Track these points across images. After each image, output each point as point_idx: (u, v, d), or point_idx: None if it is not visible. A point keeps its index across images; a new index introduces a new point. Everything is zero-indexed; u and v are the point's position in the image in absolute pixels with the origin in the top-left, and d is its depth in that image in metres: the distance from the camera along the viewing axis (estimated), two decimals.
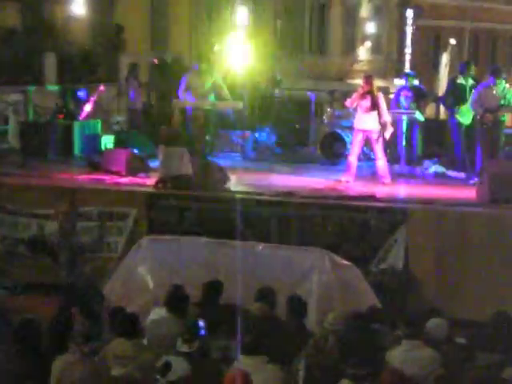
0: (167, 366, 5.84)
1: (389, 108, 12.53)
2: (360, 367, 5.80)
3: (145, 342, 7.17)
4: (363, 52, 31.37)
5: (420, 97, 13.45)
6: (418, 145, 13.37)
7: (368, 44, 31.72)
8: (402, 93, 13.40)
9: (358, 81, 19.87)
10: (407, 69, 32.56)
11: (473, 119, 12.24)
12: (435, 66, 23.34)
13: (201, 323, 6.73)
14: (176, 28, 20.98)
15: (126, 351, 6.59)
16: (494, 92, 11.76)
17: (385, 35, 33.32)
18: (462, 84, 12.53)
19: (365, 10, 31.32)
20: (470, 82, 12.48)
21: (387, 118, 11.88)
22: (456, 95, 12.53)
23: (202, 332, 6.66)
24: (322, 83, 19.73)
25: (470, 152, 12.34)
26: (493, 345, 6.49)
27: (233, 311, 7.48)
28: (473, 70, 12.75)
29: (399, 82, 28.48)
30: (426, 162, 13.27)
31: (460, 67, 13.25)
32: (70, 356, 6.25)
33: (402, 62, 32.95)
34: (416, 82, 13.98)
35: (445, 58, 20.10)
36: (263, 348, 6.28)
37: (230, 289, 8.19)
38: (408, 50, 33.14)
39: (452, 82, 13.02)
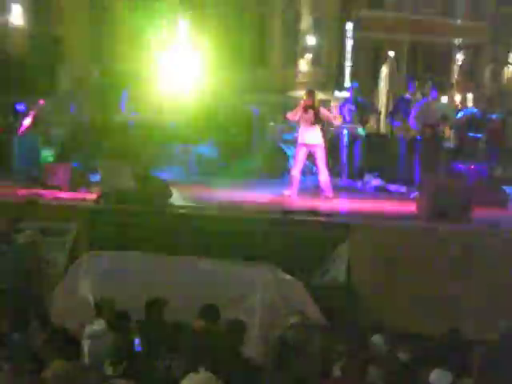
0: None
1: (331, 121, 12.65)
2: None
3: (86, 360, 7.06)
4: (304, 64, 31.60)
5: (363, 111, 13.63)
6: (359, 159, 13.52)
7: (308, 56, 31.98)
8: (345, 106, 13.55)
9: (300, 93, 20.01)
10: (347, 81, 32.95)
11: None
12: (375, 78, 23.67)
13: (136, 341, 6.65)
14: (116, 40, 20.80)
15: (67, 373, 6.46)
16: (434, 107, 11.98)
17: (325, 48, 33.63)
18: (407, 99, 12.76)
19: (305, 23, 31.57)
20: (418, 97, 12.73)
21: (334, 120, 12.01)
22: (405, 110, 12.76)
23: (137, 349, 6.58)
24: (264, 96, 19.78)
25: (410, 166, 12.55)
26: (439, 360, 6.57)
27: (176, 328, 7.45)
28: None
29: (340, 94, 28.82)
30: (368, 176, 13.43)
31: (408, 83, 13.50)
32: (4, 376, 6.11)
33: (342, 74, 33.30)
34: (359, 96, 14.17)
35: (384, 70, 20.41)
36: (206, 364, 6.25)
37: (174, 305, 8.12)
38: (348, 63, 33.50)
39: (401, 98, 13.27)
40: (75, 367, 6.48)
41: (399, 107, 13.01)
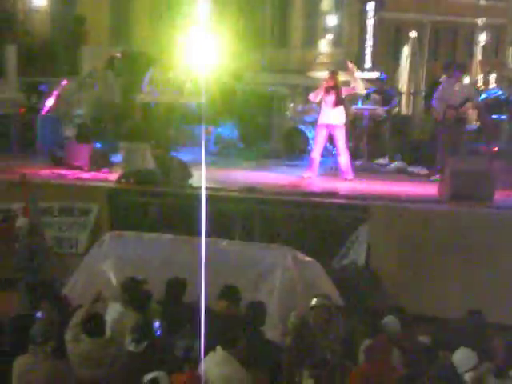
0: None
1: (356, 103, 12.63)
2: (318, 368, 5.86)
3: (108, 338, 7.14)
4: (324, 45, 31.46)
5: (388, 100, 13.58)
6: (380, 140, 13.47)
7: (329, 37, 31.81)
8: (372, 94, 13.50)
9: (320, 74, 19.94)
10: (368, 62, 32.80)
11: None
12: (396, 58, 23.54)
13: (156, 324, 6.73)
14: (137, 21, 20.83)
15: (92, 350, 6.57)
16: (458, 88, 11.85)
17: (346, 28, 33.45)
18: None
19: (326, 3, 31.39)
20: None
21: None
22: None
23: (157, 333, 6.66)
24: (285, 77, 19.73)
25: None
26: (460, 343, 6.56)
27: (196, 309, 7.49)
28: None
29: (361, 75, 28.68)
30: (389, 158, 13.39)
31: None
32: (30, 356, 6.21)
33: (363, 54, 33.14)
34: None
35: (406, 51, 20.28)
36: (227, 346, 6.31)
37: (194, 286, 8.17)
38: (369, 43, 33.34)
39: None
40: (99, 344, 6.60)
41: (434, 88, 12.83)
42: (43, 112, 13.85)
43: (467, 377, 6.18)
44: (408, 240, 9.85)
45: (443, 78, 12.78)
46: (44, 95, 14.06)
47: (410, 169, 12.88)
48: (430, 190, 11.14)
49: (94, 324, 6.74)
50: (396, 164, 13.10)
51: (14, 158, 12.89)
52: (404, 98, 19.61)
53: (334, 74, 12.04)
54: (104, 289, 9.17)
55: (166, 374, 5.84)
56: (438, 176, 11.66)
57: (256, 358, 6.61)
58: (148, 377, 5.71)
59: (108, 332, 7.05)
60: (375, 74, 29.03)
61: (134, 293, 7.53)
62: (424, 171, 12.59)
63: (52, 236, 10.66)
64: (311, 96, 12.16)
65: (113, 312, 7.59)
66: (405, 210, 10.15)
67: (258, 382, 6.29)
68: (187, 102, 13.38)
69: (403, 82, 19.84)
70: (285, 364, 6.82)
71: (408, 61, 19.68)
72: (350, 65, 12.34)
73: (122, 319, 7.29)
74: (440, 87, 12.07)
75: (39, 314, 7.49)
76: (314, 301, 7.23)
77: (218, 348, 6.23)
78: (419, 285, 9.64)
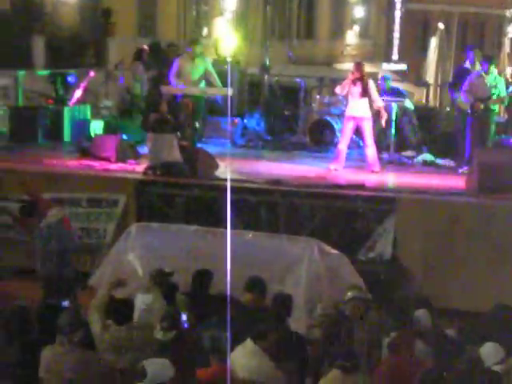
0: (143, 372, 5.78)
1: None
2: (347, 358, 5.85)
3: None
4: (351, 36, 31.32)
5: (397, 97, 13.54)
6: (407, 132, 13.39)
7: (356, 28, 31.67)
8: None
9: (347, 66, 19.86)
10: (395, 54, 32.60)
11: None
12: (423, 50, 23.36)
13: (183, 315, 6.75)
14: (164, 13, 20.85)
15: (119, 337, 6.62)
16: (486, 81, 11.75)
17: (373, 19, 33.29)
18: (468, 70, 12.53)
19: None
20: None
21: (380, 103, 11.89)
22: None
23: (184, 324, 6.68)
24: (311, 69, 19.68)
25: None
26: (486, 337, 6.52)
27: (223, 301, 7.50)
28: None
29: (388, 66, 28.51)
30: (416, 150, 13.31)
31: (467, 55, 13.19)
32: (58, 347, 6.26)
33: (390, 46, 32.96)
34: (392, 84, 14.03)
35: (433, 43, 20.11)
36: (258, 338, 6.32)
37: (219, 278, 8.18)
38: (396, 35, 33.13)
39: (460, 69, 13.03)
40: (126, 330, 6.65)
41: (458, 78, 12.71)
42: (71, 103, 13.92)
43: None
44: (435, 233, 9.80)
45: (467, 63, 12.65)
46: (71, 87, 14.12)
47: (438, 161, 12.80)
48: (457, 182, 11.06)
49: (121, 310, 6.78)
50: (423, 156, 13.02)
51: (41, 149, 13.00)
52: (431, 89, 19.48)
53: (359, 66, 12.00)
54: (130, 279, 9.30)
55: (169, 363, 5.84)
56: (465, 168, 11.58)
57: (282, 350, 6.62)
58: (150, 364, 5.73)
59: (136, 320, 7.09)
60: (402, 66, 28.89)
61: (161, 284, 7.56)
62: (451, 163, 12.51)
63: (80, 227, 10.73)
64: (338, 89, 12.15)
65: (140, 302, 7.62)
66: (432, 202, 10.10)
67: (285, 375, 6.29)
68: (214, 94, 13.38)
69: (430, 73, 19.68)
70: (312, 356, 6.81)
71: (435, 52, 19.53)
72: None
73: (150, 309, 7.32)
74: (468, 79, 11.96)
75: (66, 304, 7.56)
76: (349, 293, 7.18)
77: (248, 340, 6.23)
78: (446, 278, 9.58)
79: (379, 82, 14.04)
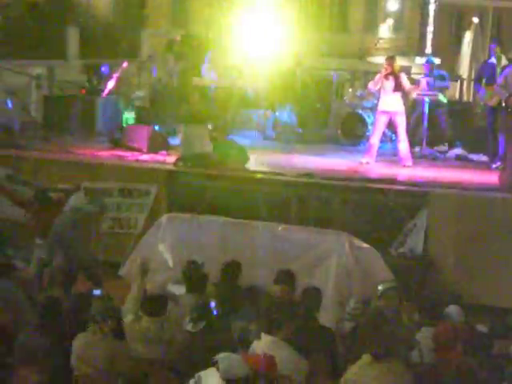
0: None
1: None
2: (379, 345, 5.78)
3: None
4: (385, 30, 31.10)
5: (441, 82, 13.37)
6: (440, 127, 13.27)
7: (390, 22, 31.44)
8: (424, 80, 13.30)
9: (380, 59, 19.71)
10: (429, 47, 32.29)
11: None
12: (457, 44, 23.13)
13: (212, 304, 6.76)
14: (197, 5, 20.85)
15: (151, 329, 6.66)
16: None
17: (407, 13, 33.00)
18: (493, 65, 12.40)
19: None
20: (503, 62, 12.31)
21: (414, 96, 11.82)
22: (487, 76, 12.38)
23: (214, 312, 6.69)
24: (344, 62, 19.57)
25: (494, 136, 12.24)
26: None
27: (252, 292, 7.52)
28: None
29: (420, 60, 28.26)
30: (448, 144, 13.20)
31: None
32: (90, 335, 6.31)
33: (423, 40, 32.66)
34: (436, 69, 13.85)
35: (467, 37, 19.91)
36: (282, 330, 6.30)
37: (249, 270, 8.21)
38: (430, 29, 32.81)
39: (485, 64, 12.90)
40: (158, 323, 6.69)
41: (483, 73, 12.59)
42: (104, 94, 13.99)
43: None
44: (467, 228, 9.70)
45: (492, 59, 12.50)
46: (105, 77, 14.19)
47: (470, 156, 12.68)
48: (490, 177, 10.95)
49: (154, 304, 6.80)
50: (456, 151, 12.91)
51: (74, 139, 13.09)
52: (465, 84, 19.28)
53: (391, 60, 11.94)
54: (160, 270, 9.36)
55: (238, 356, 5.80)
56: (498, 164, 11.45)
57: (311, 343, 6.61)
58: (218, 356, 5.70)
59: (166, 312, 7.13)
60: (435, 60, 28.54)
61: (192, 275, 7.58)
62: (485, 158, 12.38)
63: (111, 217, 10.80)
64: (370, 84, 12.10)
65: (170, 293, 7.66)
66: (464, 197, 10.00)
67: (315, 368, 6.26)
68: (246, 86, 13.37)
69: (464, 68, 19.49)
70: (341, 350, 6.78)
71: (469, 47, 19.33)
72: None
73: (179, 300, 7.36)
74: (503, 74, 11.82)
75: (97, 292, 7.61)
76: (381, 287, 7.12)
77: (263, 335, 6.20)
78: (477, 274, 9.50)
79: (424, 64, 13.91)
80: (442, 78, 13.63)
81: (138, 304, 6.90)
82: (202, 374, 5.58)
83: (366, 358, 5.59)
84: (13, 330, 6.58)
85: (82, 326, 6.43)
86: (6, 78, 12.87)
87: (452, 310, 7.00)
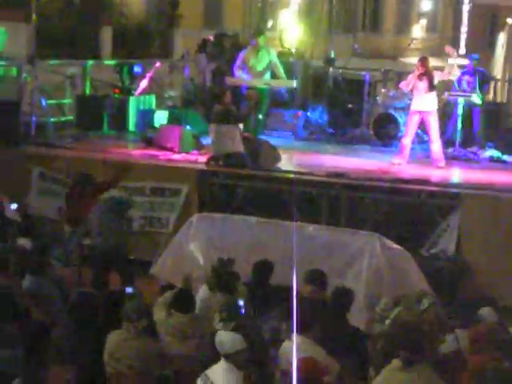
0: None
1: (449, 90, 12.38)
2: (412, 352, 5.74)
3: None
4: (418, 30, 30.93)
5: (483, 82, 13.22)
6: (474, 127, 13.16)
7: (423, 22, 31.26)
8: (464, 77, 13.16)
9: (413, 59, 19.60)
10: (462, 48, 32.03)
11: None
12: (491, 45, 22.92)
13: (241, 303, 6.77)
14: (230, 5, 20.91)
15: (182, 324, 6.69)
16: None
17: (440, 13, 32.79)
18: None
19: None
20: None
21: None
22: None
23: (243, 312, 6.70)
24: (376, 62, 19.48)
25: None
26: None
27: (283, 292, 7.50)
28: None
29: (453, 61, 28.02)
30: (482, 146, 13.07)
31: None
32: (124, 332, 6.35)
33: (457, 40, 32.41)
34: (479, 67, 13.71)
35: (501, 38, 19.72)
36: (313, 330, 6.29)
37: (279, 269, 8.19)
38: (464, 29, 32.56)
39: None
40: (189, 319, 6.73)
41: None
42: (137, 93, 14.07)
43: None
44: (500, 229, 9.61)
45: None
46: (137, 77, 14.26)
47: (504, 157, 12.55)
48: None
49: (184, 301, 6.85)
50: (489, 152, 12.79)
51: (106, 138, 13.19)
52: (499, 85, 19.10)
53: (424, 61, 11.87)
54: (191, 269, 9.38)
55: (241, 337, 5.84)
56: None
57: (341, 344, 6.58)
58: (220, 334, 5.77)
59: (197, 311, 7.15)
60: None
61: (222, 274, 7.60)
62: None
63: (143, 215, 10.86)
64: (403, 85, 12.04)
65: (201, 292, 7.69)
66: (497, 198, 9.92)
67: (344, 370, 6.24)
68: (278, 86, 13.36)
69: (498, 69, 19.31)
70: (371, 352, 6.74)
71: (504, 48, 19.15)
72: (449, 49, 12.09)
73: (210, 300, 7.38)
74: None
75: (130, 290, 7.67)
76: (425, 301, 6.96)
77: (293, 334, 6.18)
78: (511, 276, 9.39)
79: (468, 61, 13.78)
80: (485, 76, 13.47)
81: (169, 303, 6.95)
82: (209, 371, 5.66)
83: (396, 362, 5.55)
84: (47, 328, 6.62)
85: (115, 324, 6.47)
86: (40, 77, 12.98)
87: (486, 312, 6.93)
